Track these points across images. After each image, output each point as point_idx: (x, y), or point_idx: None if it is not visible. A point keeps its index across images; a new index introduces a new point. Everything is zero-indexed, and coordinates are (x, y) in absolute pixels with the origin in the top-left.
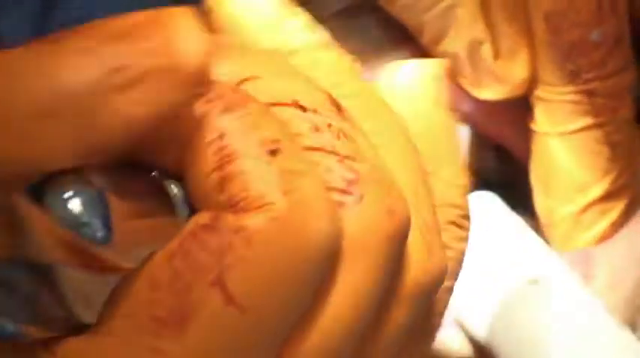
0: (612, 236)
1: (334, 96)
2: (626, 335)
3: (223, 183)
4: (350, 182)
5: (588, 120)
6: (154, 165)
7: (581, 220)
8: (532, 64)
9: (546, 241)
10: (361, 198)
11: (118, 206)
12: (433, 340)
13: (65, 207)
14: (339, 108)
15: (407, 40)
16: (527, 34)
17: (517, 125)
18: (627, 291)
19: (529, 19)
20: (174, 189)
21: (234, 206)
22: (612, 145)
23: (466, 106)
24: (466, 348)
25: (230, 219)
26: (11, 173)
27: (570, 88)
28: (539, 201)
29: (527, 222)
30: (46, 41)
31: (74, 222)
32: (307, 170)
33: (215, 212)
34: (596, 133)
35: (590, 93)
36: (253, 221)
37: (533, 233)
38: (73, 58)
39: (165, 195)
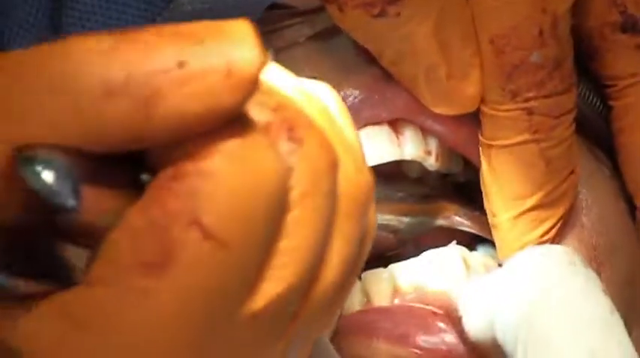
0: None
1: None
2: None
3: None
4: (289, 129)
5: (526, 136)
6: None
7: (515, 227)
8: (482, 83)
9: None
10: (301, 140)
11: (88, 178)
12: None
13: (38, 177)
14: None
15: (375, 61)
16: (478, 55)
17: (473, 137)
18: None
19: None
20: (145, 178)
21: (191, 156)
22: (548, 160)
23: (430, 122)
24: None
25: (190, 166)
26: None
27: (510, 106)
28: (485, 205)
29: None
30: (117, 33)
31: (47, 191)
32: (249, 116)
33: (175, 165)
34: (533, 148)
35: (529, 111)
36: (212, 163)
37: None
38: (144, 49)
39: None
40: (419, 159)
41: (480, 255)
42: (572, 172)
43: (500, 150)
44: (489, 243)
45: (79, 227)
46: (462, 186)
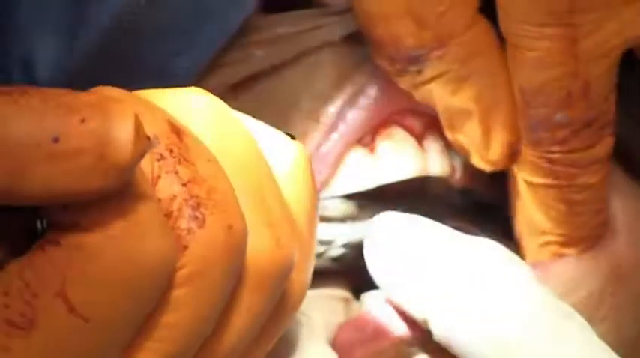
0: None
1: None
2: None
3: (68, 204)
4: (193, 207)
5: (547, 180)
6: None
7: (540, 253)
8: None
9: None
10: (203, 221)
11: None
12: (286, 326)
13: None
14: (179, 133)
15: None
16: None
17: None
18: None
19: None
20: (39, 224)
21: (76, 225)
22: (570, 204)
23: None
24: None
25: (71, 237)
26: None
27: (532, 152)
28: (514, 225)
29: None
30: (6, 89)
31: None
32: (146, 195)
33: (60, 230)
34: (555, 192)
35: (550, 161)
36: (91, 239)
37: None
38: (26, 114)
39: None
40: (444, 176)
41: None
42: (600, 211)
43: (526, 184)
44: None
45: None
46: (483, 205)
